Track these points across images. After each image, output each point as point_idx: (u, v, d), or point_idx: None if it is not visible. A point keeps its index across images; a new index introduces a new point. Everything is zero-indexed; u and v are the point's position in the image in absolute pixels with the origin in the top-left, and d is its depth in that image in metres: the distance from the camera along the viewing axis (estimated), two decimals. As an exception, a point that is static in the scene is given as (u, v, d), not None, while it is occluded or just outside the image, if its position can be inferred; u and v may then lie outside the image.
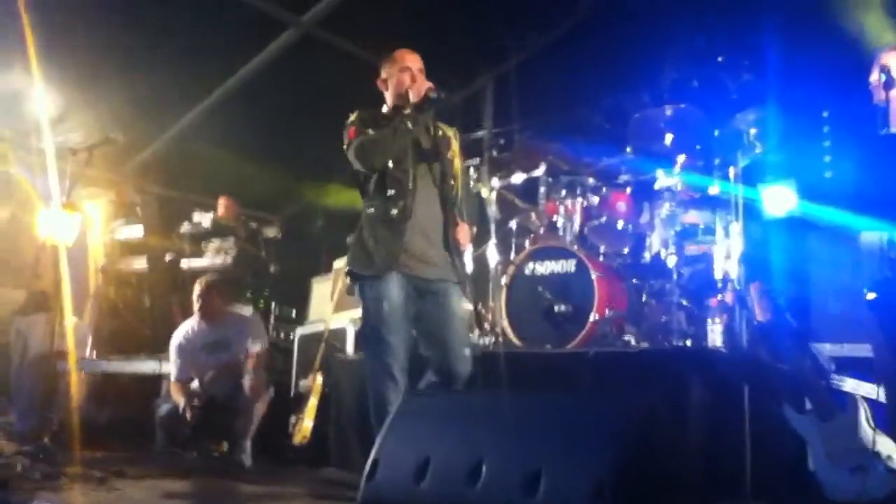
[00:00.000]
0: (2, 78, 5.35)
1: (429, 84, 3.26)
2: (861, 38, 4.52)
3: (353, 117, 3.34)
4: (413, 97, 3.24)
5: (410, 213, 3.16)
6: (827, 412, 3.40)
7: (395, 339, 3.08)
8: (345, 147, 3.33)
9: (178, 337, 5.09)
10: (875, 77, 3.14)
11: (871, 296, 2.67)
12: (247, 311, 5.22)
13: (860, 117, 3.38)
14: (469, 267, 3.59)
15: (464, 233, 3.30)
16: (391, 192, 3.18)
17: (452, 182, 3.30)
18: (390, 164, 3.18)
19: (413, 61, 3.34)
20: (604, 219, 4.60)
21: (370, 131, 3.22)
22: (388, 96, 3.41)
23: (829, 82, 5.09)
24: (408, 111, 3.22)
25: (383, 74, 3.42)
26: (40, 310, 4.72)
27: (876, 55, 3.31)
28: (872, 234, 3.20)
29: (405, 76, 3.30)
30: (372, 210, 3.24)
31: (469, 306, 4.25)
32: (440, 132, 3.37)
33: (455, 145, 3.42)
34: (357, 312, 5.27)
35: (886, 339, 2.95)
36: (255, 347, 4.97)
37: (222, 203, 6.52)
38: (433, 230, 3.23)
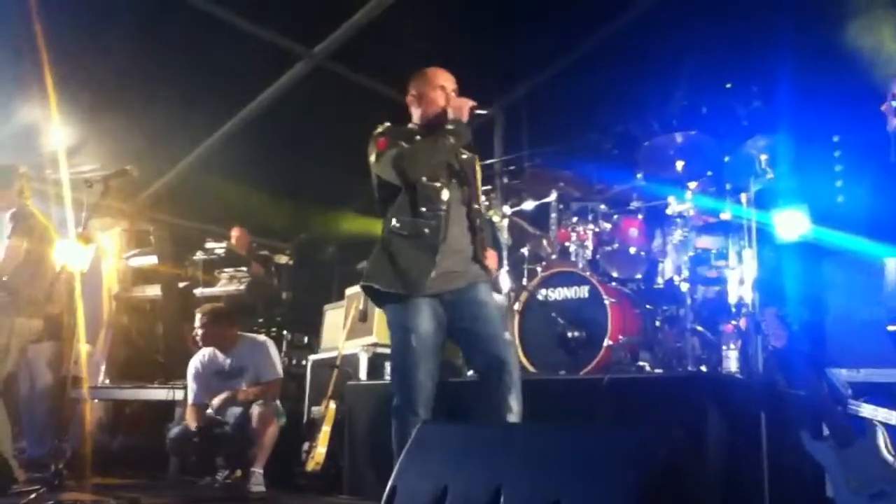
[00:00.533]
0: (20, 112, 5.43)
1: (472, 102, 3.19)
2: (872, 64, 4.55)
3: (381, 129, 3.28)
4: (451, 114, 3.18)
5: (445, 235, 3.06)
6: (845, 438, 3.37)
7: (422, 374, 2.99)
8: (373, 158, 3.25)
9: (194, 362, 5.13)
10: (887, 105, 3.16)
11: (892, 328, 2.66)
12: (261, 338, 5.23)
13: (872, 143, 3.39)
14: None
15: (493, 258, 3.24)
16: (423, 209, 3.07)
17: (477, 206, 3.26)
18: (424, 178, 3.10)
19: (448, 80, 3.32)
20: (616, 245, 4.61)
21: (403, 144, 3.16)
22: (418, 113, 3.36)
23: (840, 107, 5.11)
24: (450, 127, 3.14)
25: (413, 91, 3.39)
26: (51, 338, 4.76)
27: (889, 82, 3.33)
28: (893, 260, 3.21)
29: (439, 94, 3.27)
30: (399, 225, 3.10)
31: (501, 298, 4.25)
32: (465, 155, 3.33)
33: (478, 171, 3.40)
34: (369, 339, 5.32)
35: None
36: (267, 376, 4.97)
37: (234, 233, 6.59)
38: (464, 252, 3.15)
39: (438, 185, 3.11)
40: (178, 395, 5.29)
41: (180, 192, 6.68)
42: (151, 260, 6.39)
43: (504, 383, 2.95)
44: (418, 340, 3.00)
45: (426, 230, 3.04)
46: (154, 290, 6.30)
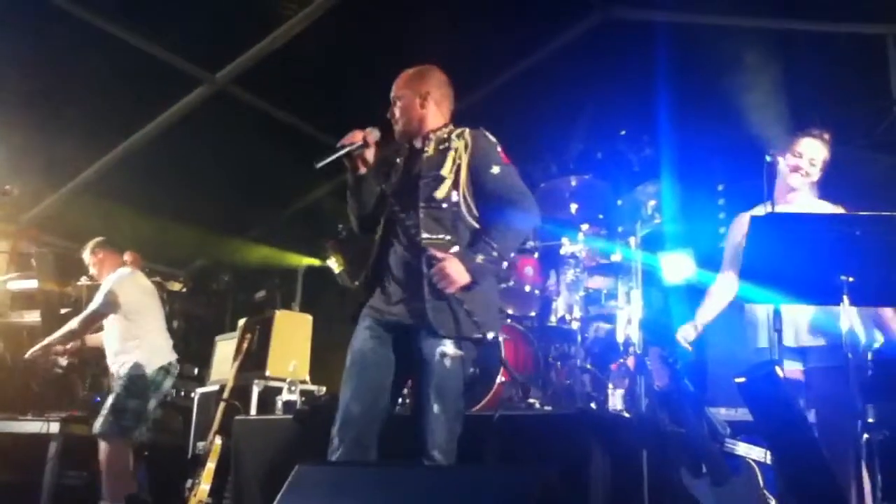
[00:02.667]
0: None
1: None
2: (756, 119, 4.83)
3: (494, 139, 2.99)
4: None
5: None
6: (721, 476, 3.49)
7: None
8: (497, 170, 2.88)
9: None
10: (784, 157, 3.34)
11: (739, 380, 2.80)
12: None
13: (753, 192, 3.57)
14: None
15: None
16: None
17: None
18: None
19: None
20: (511, 282, 4.67)
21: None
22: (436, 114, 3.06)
23: (725, 158, 5.40)
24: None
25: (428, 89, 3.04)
26: None
27: (767, 137, 3.54)
28: (759, 306, 3.37)
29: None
30: (488, 261, 2.80)
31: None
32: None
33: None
34: (260, 373, 5.19)
35: (760, 421, 3.08)
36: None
37: (127, 259, 6.34)
38: None
39: None
40: (54, 428, 5.01)
41: (69, 213, 6.41)
42: (32, 284, 6.08)
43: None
44: None
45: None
46: (33, 316, 5.97)
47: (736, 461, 3.67)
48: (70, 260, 6.47)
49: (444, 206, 2.85)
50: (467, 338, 2.79)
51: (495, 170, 2.88)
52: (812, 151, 3.41)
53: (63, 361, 5.04)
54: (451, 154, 2.89)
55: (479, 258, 2.77)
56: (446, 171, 2.86)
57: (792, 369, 3.28)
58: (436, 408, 2.70)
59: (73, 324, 4.90)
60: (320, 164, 2.85)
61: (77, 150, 5.91)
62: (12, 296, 6.27)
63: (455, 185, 2.86)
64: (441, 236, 2.83)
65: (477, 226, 2.89)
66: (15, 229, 6.48)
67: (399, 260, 2.88)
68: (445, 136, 2.99)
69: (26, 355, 4.96)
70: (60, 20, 4.75)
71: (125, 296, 4.90)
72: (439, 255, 2.76)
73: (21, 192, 4.74)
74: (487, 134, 2.98)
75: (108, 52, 5.05)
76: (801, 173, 3.38)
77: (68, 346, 5.07)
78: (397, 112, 3.04)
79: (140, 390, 4.77)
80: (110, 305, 4.87)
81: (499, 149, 2.96)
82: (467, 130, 2.97)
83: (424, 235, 2.81)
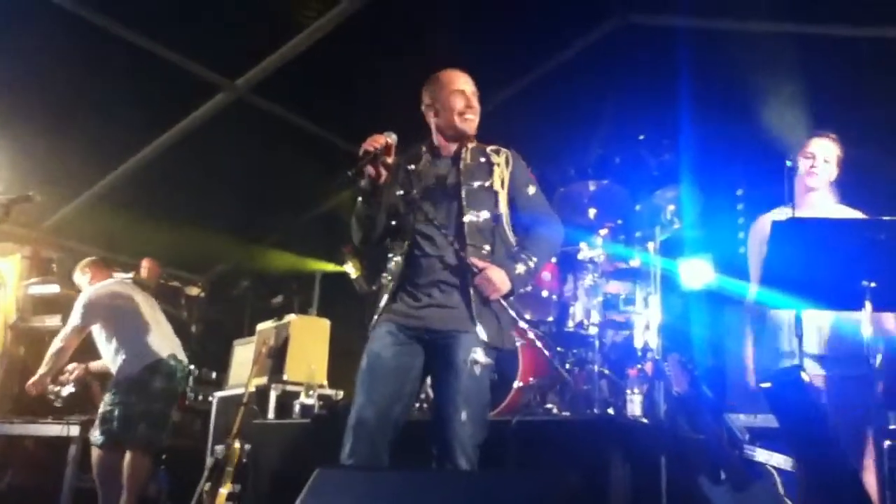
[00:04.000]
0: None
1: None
2: (774, 124, 4.81)
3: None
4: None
5: None
6: (740, 483, 3.47)
7: None
8: (533, 189, 3.05)
9: None
10: (800, 161, 3.34)
11: (765, 385, 2.79)
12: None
13: (772, 197, 3.55)
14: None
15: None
16: None
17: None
18: None
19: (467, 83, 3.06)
20: (529, 287, 4.65)
21: None
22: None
23: (744, 163, 5.37)
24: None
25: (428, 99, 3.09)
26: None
27: (803, 140, 3.52)
28: (781, 311, 3.35)
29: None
30: (527, 272, 2.94)
31: None
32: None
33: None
34: (278, 377, 5.22)
35: (785, 426, 3.06)
36: None
37: (145, 265, 6.40)
38: None
39: None
40: (74, 431, 5.05)
41: (89, 219, 6.46)
42: (53, 289, 6.14)
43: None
44: None
45: None
46: (55, 321, 6.02)
47: (755, 467, 3.65)
48: (91, 265, 6.53)
49: (487, 217, 2.91)
50: (496, 346, 2.82)
51: (531, 190, 3.03)
52: (823, 151, 3.43)
53: (65, 391, 4.93)
54: (497, 169, 2.97)
55: (520, 268, 2.87)
56: (497, 185, 2.94)
57: (814, 374, 3.25)
58: (464, 415, 2.70)
59: (56, 343, 4.86)
60: (351, 172, 2.84)
61: (98, 157, 5.97)
62: (34, 301, 6.35)
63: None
64: (482, 246, 2.88)
65: (513, 240, 2.97)
66: (37, 235, 6.54)
67: (431, 266, 2.87)
68: (482, 147, 3.05)
69: (25, 387, 4.90)
70: (80, 29, 4.78)
71: (99, 306, 4.86)
72: (481, 263, 2.81)
73: (43, 198, 4.77)
74: (518, 155, 3.09)
75: (129, 59, 5.08)
76: (815, 172, 3.37)
77: (73, 375, 4.99)
78: (476, 106, 3.03)
79: (123, 394, 4.71)
80: (86, 317, 4.84)
81: (528, 168, 3.09)
82: (501, 148, 3.06)
83: (469, 243, 2.84)
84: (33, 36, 4.77)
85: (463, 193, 2.90)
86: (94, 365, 5.04)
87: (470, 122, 3.01)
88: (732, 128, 5.34)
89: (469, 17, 5.17)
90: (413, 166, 3.05)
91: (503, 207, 2.94)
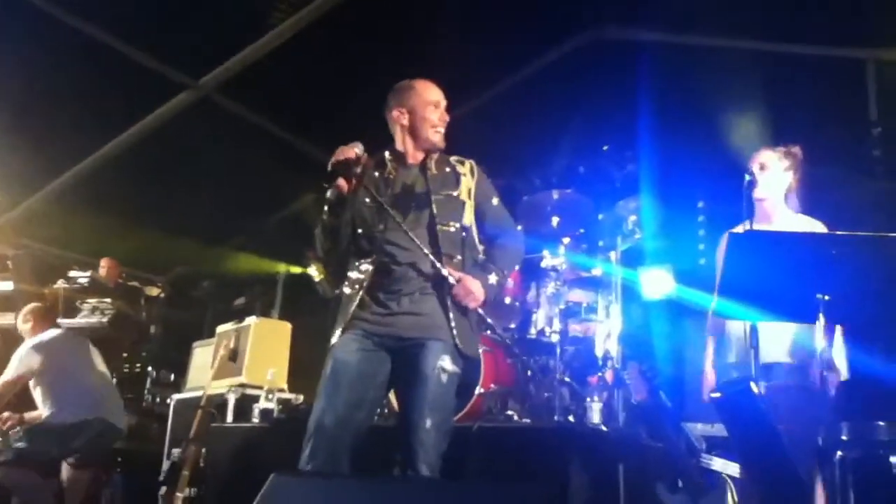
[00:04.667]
0: None
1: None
2: (733, 137, 4.90)
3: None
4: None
5: None
6: (697, 491, 3.51)
7: None
8: (496, 201, 3.09)
9: None
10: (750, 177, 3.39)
11: (715, 395, 2.84)
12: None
13: (732, 209, 3.60)
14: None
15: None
16: None
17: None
18: None
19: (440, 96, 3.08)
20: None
21: None
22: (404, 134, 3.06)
23: (705, 176, 5.46)
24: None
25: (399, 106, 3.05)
26: None
27: (748, 157, 3.58)
28: (737, 322, 3.40)
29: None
30: (498, 283, 2.98)
31: None
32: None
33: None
34: (238, 380, 5.16)
35: (735, 436, 3.11)
36: None
37: (104, 264, 6.30)
38: None
39: None
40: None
41: (46, 216, 6.35)
42: (7, 286, 6.01)
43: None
44: None
45: None
46: (8, 318, 5.89)
47: (712, 476, 3.70)
48: (47, 264, 6.42)
49: (457, 227, 2.93)
50: (467, 354, 2.84)
51: (495, 201, 3.08)
52: (765, 160, 3.48)
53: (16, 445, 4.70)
54: (464, 179, 3.00)
55: (492, 279, 2.91)
56: (464, 195, 2.97)
57: (767, 384, 3.31)
58: (429, 422, 2.69)
59: None
60: (327, 186, 2.84)
61: (57, 154, 5.88)
62: (-14, 299, 6.21)
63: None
64: (454, 255, 2.90)
65: (480, 249, 3.01)
66: (-8, 231, 6.41)
67: (403, 274, 2.86)
68: (444, 158, 3.06)
69: None
70: (43, 25, 4.71)
71: (34, 360, 4.76)
72: (456, 273, 2.83)
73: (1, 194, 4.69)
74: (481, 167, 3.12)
75: (92, 56, 5.02)
76: (756, 183, 3.41)
77: (6, 425, 4.76)
78: (447, 119, 3.05)
79: (41, 439, 4.60)
80: (20, 370, 4.75)
81: (489, 180, 3.11)
82: (467, 160, 3.09)
83: (444, 252, 2.86)
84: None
85: (433, 203, 2.91)
86: (30, 416, 4.89)
87: (441, 135, 3.03)
88: (695, 141, 5.43)
89: (440, 25, 5.19)
90: (378, 174, 3.03)
91: (469, 218, 2.97)
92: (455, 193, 2.95)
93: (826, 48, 4.96)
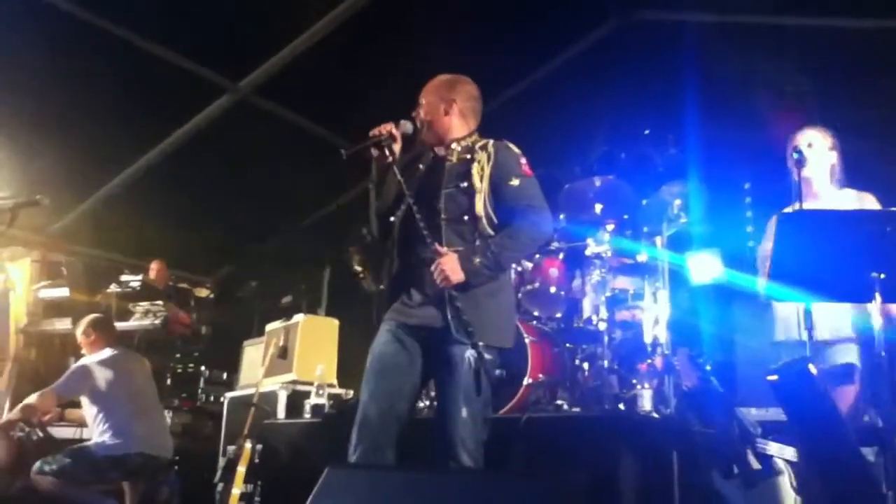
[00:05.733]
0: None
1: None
2: (777, 115, 4.79)
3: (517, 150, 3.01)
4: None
5: None
6: (752, 477, 3.46)
7: None
8: (517, 182, 2.91)
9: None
10: (790, 159, 3.33)
11: (772, 378, 2.77)
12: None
13: (779, 190, 3.55)
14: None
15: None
16: None
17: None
18: None
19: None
20: (537, 284, 4.67)
21: None
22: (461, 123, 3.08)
23: (751, 156, 5.35)
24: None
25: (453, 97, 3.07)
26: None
27: (789, 135, 3.52)
28: (789, 304, 3.34)
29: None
30: (484, 266, 2.82)
31: None
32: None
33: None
34: (289, 377, 5.23)
35: (793, 419, 3.05)
36: None
37: (153, 267, 6.44)
38: None
39: None
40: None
41: (97, 222, 6.49)
42: (63, 292, 6.18)
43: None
44: None
45: None
46: (65, 324, 6.06)
47: (768, 462, 3.63)
48: (99, 268, 6.58)
49: (466, 218, 2.88)
50: (494, 346, 2.81)
51: (514, 182, 2.91)
52: (808, 139, 3.46)
53: (35, 434, 4.81)
54: (476, 166, 2.91)
55: (477, 260, 2.79)
56: (476, 184, 2.88)
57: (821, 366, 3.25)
58: (464, 412, 2.71)
59: (32, 397, 4.74)
60: (347, 153, 2.91)
61: (103, 161, 6.01)
62: (44, 305, 6.38)
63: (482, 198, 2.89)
64: (458, 247, 2.84)
65: (492, 235, 2.89)
66: (45, 239, 6.58)
67: (420, 263, 2.88)
68: (469, 145, 3.01)
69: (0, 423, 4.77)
70: (83, 33, 4.80)
71: (88, 381, 4.73)
72: (441, 250, 2.79)
73: (50, 202, 4.79)
74: (511, 145, 3.00)
75: (132, 63, 5.10)
76: (803, 162, 3.34)
77: (45, 419, 4.88)
78: (422, 114, 3.06)
79: (82, 463, 4.56)
80: (71, 388, 4.75)
81: (522, 160, 2.97)
82: (491, 142, 2.99)
83: (446, 245, 2.83)
84: (37, 41, 4.79)
85: (442, 194, 2.91)
86: (70, 414, 5.02)
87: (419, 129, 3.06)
88: (738, 121, 5.32)
89: (471, 17, 5.17)
90: (422, 165, 3.09)
91: (480, 207, 2.87)
92: (464, 185, 2.90)
93: (872, 20, 4.82)
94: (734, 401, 4.19)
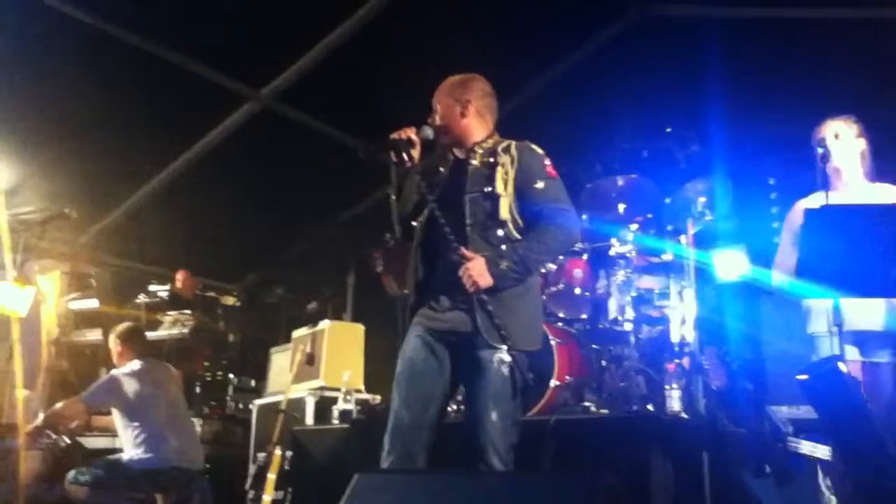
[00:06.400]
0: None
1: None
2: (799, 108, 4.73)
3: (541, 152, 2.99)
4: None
5: None
6: (785, 476, 3.42)
7: None
8: (542, 185, 2.89)
9: None
10: (816, 150, 3.28)
11: (802, 377, 2.74)
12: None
13: (804, 185, 3.50)
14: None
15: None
16: None
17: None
18: None
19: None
20: (561, 286, 4.65)
21: None
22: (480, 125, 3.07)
23: (775, 151, 5.30)
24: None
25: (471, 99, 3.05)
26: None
27: (814, 128, 3.47)
28: (818, 300, 3.30)
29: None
30: (511, 270, 2.80)
31: None
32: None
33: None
34: (316, 383, 5.26)
35: (824, 418, 3.01)
36: None
37: (180, 277, 6.51)
38: None
39: None
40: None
41: (123, 233, 6.57)
42: (93, 303, 6.26)
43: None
44: None
45: None
46: (95, 335, 6.15)
47: (800, 460, 3.59)
48: (127, 279, 6.66)
49: (492, 223, 2.85)
50: (522, 349, 2.79)
51: (540, 184, 2.88)
52: (833, 130, 3.39)
53: (63, 441, 4.82)
54: (500, 170, 2.88)
55: (504, 265, 2.78)
56: (500, 188, 2.85)
57: (851, 361, 3.20)
58: (494, 415, 2.71)
59: (58, 406, 4.76)
60: (363, 154, 2.92)
61: (129, 173, 6.07)
62: (74, 316, 6.48)
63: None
64: (486, 254, 2.81)
65: (518, 239, 2.87)
66: (74, 251, 6.67)
67: (447, 268, 2.87)
68: (491, 148, 2.98)
69: (27, 430, 4.75)
70: (106, 45, 4.84)
71: (119, 394, 4.70)
72: (467, 254, 2.78)
73: (78, 214, 4.86)
74: (534, 147, 2.97)
75: (155, 74, 5.15)
76: (829, 155, 3.30)
77: (72, 426, 4.87)
78: (437, 119, 3.04)
79: (118, 475, 4.58)
80: (101, 400, 4.76)
81: (546, 162, 2.94)
82: (514, 144, 2.96)
83: (472, 249, 2.81)
84: (59, 55, 4.86)
85: (466, 199, 2.89)
86: (98, 421, 5.05)
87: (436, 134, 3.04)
88: (761, 115, 5.27)
89: (487, 19, 5.17)
90: (443, 169, 3.08)
91: (505, 212, 2.85)
92: (488, 189, 2.87)
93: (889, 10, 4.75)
94: (764, 399, 4.15)
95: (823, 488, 3.35)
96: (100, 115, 5.34)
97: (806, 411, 4.11)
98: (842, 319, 3.03)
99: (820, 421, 3.20)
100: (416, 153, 2.94)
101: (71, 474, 4.59)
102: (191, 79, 5.27)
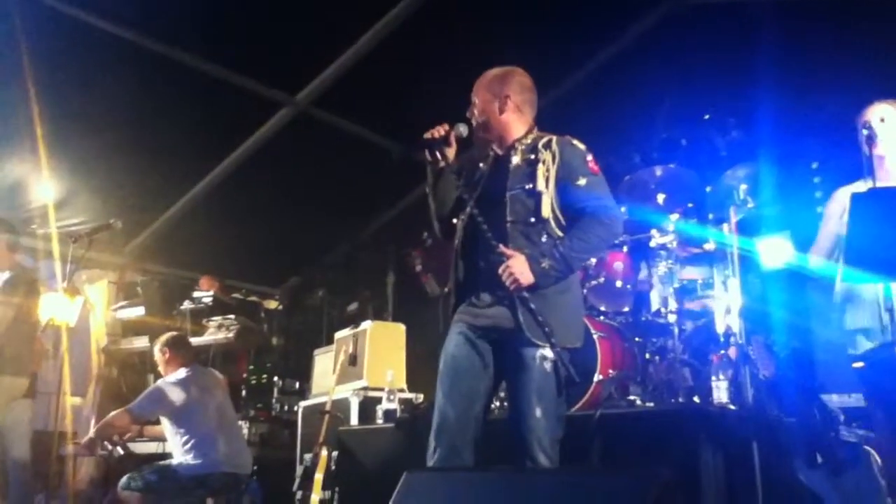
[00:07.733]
0: (9, 167, 5.45)
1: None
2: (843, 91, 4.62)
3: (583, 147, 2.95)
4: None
5: None
6: (839, 465, 3.36)
7: None
8: (584, 181, 2.85)
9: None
10: (860, 133, 3.21)
11: (858, 365, 2.67)
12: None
13: (849, 168, 3.43)
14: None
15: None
16: None
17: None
18: None
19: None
20: (602, 279, 4.62)
21: None
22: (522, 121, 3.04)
23: (817, 134, 5.19)
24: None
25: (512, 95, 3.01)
26: (26, 395, 4.68)
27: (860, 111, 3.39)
28: (868, 286, 3.22)
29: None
30: (553, 268, 2.77)
31: None
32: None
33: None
34: (360, 383, 5.30)
35: (878, 406, 2.95)
36: None
37: (204, 284, 6.56)
38: None
39: None
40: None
41: (167, 241, 6.69)
42: (139, 311, 6.37)
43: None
44: None
45: None
46: (142, 342, 6.26)
47: (853, 449, 3.52)
48: (172, 286, 6.76)
49: (533, 220, 2.83)
50: (564, 346, 2.77)
51: (582, 181, 2.84)
52: (878, 114, 3.28)
53: (117, 452, 4.93)
54: (541, 167, 2.85)
55: (545, 263, 2.75)
56: (542, 185, 2.82)
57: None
58: (538, 411, 2.70)
59: (109, 417, 4.79)
60: (397, 157, 2.91)
61: (171, 182, 6.18)
62: (122, 324, 6.61)
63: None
64: (527, 251, 2.79)
65: (560, 237, 2.84)
66: (121, 260, 6.80)
67: (488, 266, 2.86)
68: (531, 144, 2.94)
69: (82, 443, 4.83)
70: (143, 57, 4.93)
71: (166, 402, 4.69)
72: (508, 252, 2.77)
73: (123, 224, 4.95)
74: (575, 142, 2.93)
75: (193, 84, 5.24)
76: (875, 137, 3.22)
77: (124, 436, 4.96)
78: (476, 114, 3.01)
79: (170, 483, 4.60)
80: (148, 409, 4.77)
81: (588, 157, 2.90)
82: (555, 139, 2.91)
83: (512, 247, 2.80)
84: (100, 69, 4.97)
85: (508, 197, 2.86)
86: (150, 430, 5.09)
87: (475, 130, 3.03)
88: (802, 99, 5.16)
89: (521, 14, 5.15)
90: (483, 165, 3.07)
91: (547, 210, 2.82)
92: (529, 186, 2.84)
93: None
94: (814, 388, 4.07)
95: (878, 476, 3.27)
96: (143, 129, 5.46)
97: (856, 399, 4.03)
98: (892, 304, 2.96)
99: (873, 408, 3.13)
100: (450, 152, 2.94)
101: (123, 480, 4.67)
102: (227, 88, 5.35)
